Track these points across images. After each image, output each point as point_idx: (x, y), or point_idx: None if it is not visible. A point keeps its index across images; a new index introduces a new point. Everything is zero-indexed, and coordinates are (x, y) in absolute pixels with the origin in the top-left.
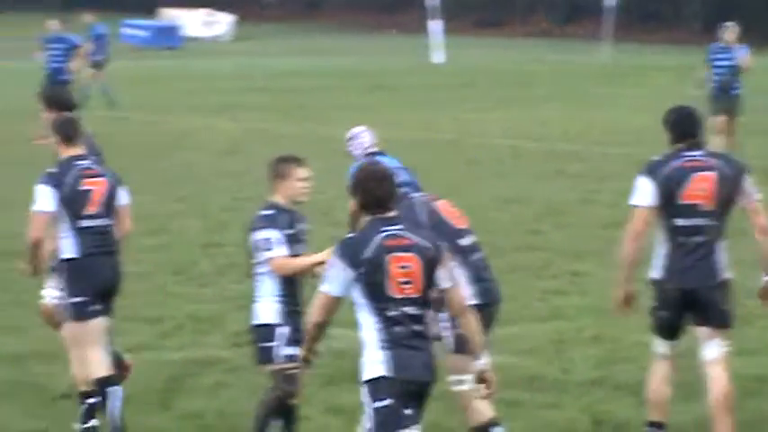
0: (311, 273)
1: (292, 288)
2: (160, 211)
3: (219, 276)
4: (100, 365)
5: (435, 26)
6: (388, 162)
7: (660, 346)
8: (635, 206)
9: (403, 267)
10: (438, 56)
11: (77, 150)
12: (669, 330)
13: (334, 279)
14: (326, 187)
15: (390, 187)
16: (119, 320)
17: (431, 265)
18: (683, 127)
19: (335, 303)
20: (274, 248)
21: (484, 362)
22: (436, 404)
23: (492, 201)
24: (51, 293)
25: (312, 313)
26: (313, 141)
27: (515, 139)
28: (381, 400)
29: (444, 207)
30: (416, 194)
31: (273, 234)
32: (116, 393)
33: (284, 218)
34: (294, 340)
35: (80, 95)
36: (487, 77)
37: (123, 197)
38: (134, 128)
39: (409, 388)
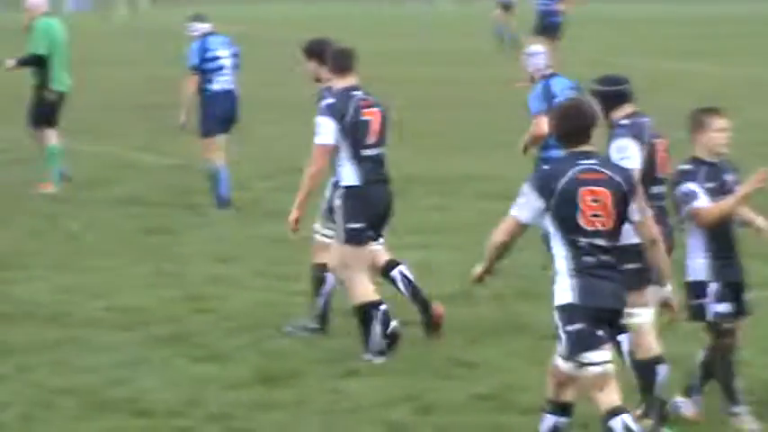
0: (738, 212)
1: (723, 241)
2: None
3: None
4: (370, 287)
5: None
6: (562, 82)
7: None
8: None
9: (595, 201)
10: None
11: (352, 81)
12: None
13: (525, 206)
14: None
15: (591, 123)
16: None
17: (623, 200)
18: None
19: (521, 229)
20: (694, 202)
21: (668, 289)
22: None
23: None
24: (322, 230)
25: (496, 233)
26: None
27: None
28: (571, 324)
29: (660, 147)
30: (647, 120)
31: (693, 187)
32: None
33: (705, 171)
34: (725, 295)
35: (501, 38)
36: None
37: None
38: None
39: (596, 314)
